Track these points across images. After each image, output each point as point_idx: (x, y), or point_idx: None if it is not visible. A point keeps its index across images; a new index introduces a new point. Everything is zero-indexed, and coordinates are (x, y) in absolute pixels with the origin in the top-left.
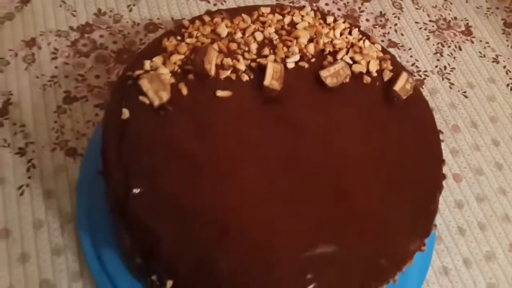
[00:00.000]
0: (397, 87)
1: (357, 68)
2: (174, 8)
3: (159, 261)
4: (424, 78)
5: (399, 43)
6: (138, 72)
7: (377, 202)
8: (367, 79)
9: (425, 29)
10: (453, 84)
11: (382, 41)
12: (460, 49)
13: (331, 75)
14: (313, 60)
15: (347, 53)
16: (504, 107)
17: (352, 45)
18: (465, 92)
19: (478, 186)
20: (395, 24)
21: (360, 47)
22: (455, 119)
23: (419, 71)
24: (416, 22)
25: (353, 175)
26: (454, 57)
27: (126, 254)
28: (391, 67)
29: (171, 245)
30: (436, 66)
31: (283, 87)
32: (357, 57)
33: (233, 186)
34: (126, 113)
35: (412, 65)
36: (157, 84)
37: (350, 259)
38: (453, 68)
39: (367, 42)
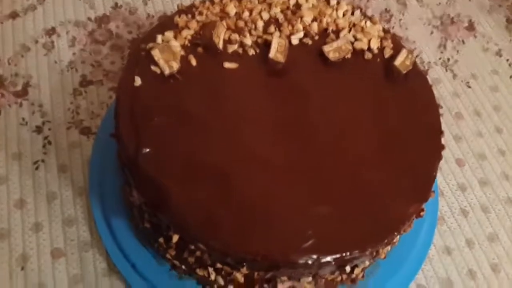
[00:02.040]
0: (397, 62)
1: (358, 45)
2: (187, 2)
3: (167, 214)
4: (428, 69)
5: (403, 37)
6: (151, 44)
7: (375, 168)
8: (368, 55)
9: (429, 25)
10: (456, 75)
11: None
12: (464, 43)
13: (334, 49)
14: (316, 37)
15: (349, 31)
16: (507, 97)
17: (354, 25)
18: (468, 82)
19: (481, 170)
20: (400, 20)
21: (362, 27)
22: (458, 107)
23: (423, 62)
24: (420, 18)
25: (352, 142)
26: (458, 50)
27: (134, 220)
28: (391, 45)
29: (178, 199)
30: (440, 58)
31: (287, 60)
32: (359, 35)
33: (238, 147)
34: (138, 81)
35: (416, 56)
36: (168, 54)
37: (347, 219)
38: (457, 60)
39: (368, 23)
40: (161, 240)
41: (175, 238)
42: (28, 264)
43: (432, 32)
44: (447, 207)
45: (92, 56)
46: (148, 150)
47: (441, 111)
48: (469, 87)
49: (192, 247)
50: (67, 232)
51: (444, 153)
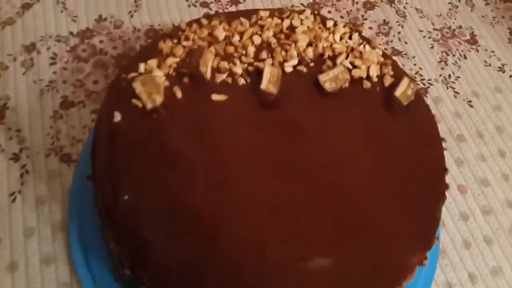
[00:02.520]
0: (398, 92)
1: (357, 72)
2: (175, 14)
3: (148, 269)
4: (428, 87)
5: (402, 51)
6: (132, 74)
7: (377, 212)
8: (367, 84)
9: (429, 38)
10: (458, 93)
11: (385, 49)
12: (465, 57)
13: (330, 79)
14: (311, 64)
15: (347, 57)
16: (511, 117)
17: (352, 49)
18: (470, 101)
19: (484, 198)
20: (399, 32)
21: (360, 52)
22: (460, 128)
23: (423, 79)
24: (420, 31)
25: (352, 183)
26: (459, 66)
27: (114, 265)
28: (392, 72)
29: (159, 252)
30: (441, 75)
31: (280, 91)
32: (357, 62)
33: (226, 192)
34: (117, 116)
35: (416, 73)
36: (151, 86)
37: (346, 272)
38: (458, 77)
39: (367, 47)
40: None
41: None
42: None
43: (432, 46)
44: (448, 238)
45: (74, 74)
46: (127, 197)
47: (443, 133)
48: (471, 106)
49: None
50: (44, 271)
51: (446, 178)
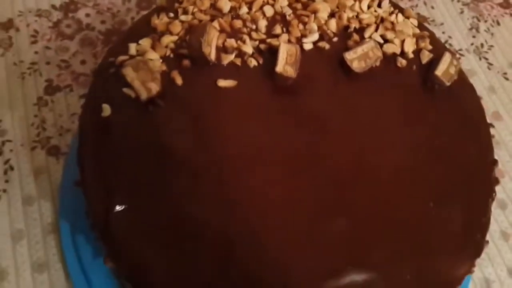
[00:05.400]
0: (439, 71)
1: (389, 48)
2: None
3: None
4: (459, 58)
5: (429, 18)
6: (122, 58)
7: (418, 216)
8: (401, 62)
9: (458, 1)
10: (491, 64)
11: None
12: (498, 23)
13: (358, 57)
14: (335, 39)
15: (376, 30)
16: None
17: (383, 20)
18: (505, 73)
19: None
20: None
21: (392, 22)
22: (495, 105)
23: (453, 50)
24: None
25: (387, 182)
26: (492, 33)
27: (113, 274)
28: (430, 47)
29: (164, 274)
30: (472, 44)
31: (299, 74)
32: (389, 35)
33: (238, 199)
34: (107, 110)
35: (445, 42)
36: (145, 73)
37: None
38: (491, 46)
39: (400, 16)
40: None
41: None
42: None
43: (462, 11)
44: None
45: (58, 54)
46: (121, 208)
47: None
48: (507, 79)
49: None
50: (36, 279)
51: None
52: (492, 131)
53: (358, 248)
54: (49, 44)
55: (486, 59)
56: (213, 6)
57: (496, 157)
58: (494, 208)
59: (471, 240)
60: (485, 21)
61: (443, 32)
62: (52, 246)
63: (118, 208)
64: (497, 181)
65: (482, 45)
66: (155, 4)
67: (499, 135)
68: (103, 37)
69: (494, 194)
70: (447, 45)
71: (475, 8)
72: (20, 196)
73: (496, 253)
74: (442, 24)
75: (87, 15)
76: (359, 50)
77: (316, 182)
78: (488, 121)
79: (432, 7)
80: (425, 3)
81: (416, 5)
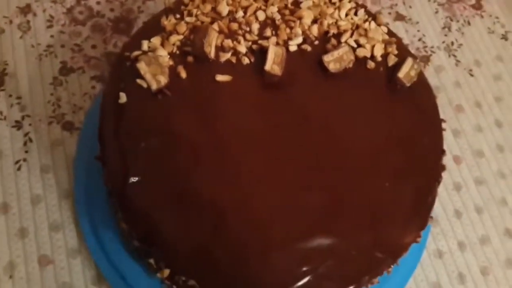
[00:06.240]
0: (402, 73)
1: (361, 52)
2: None
3: (157, 247)
4: (431, 55)
5: (406, 16)
6: (136, 53)
7: (377, 192)
8: (371, 64)
9: (434, 1)
10: (459, 61)
11: (389, 13)
12: (469, 24)
13: (334, 60)
14: (316, 42)
15: (351, 35)
16: (510, 86)
17: (357, 26)
18: (471, 70)
19: (478, 169)
20: None
21: (366, 29)
22: (459, 98)
23: (426, 46)
24: None
25: (355, 163)
26: (463, 33)
27: (124, 236)
28: (396, 52)
29: (169, 233)
30: (443, 42)
31: (285, 72)
32: (362, 40)
33: (232, 173)
34: (123, 97)
35: (419, 40)
36: (155, 67)
37: (346, 252)
38: (461, 44)
39: (373, 24)
40: (151, 261)
41: (166, 272)
42: (16, 272)
43: (437, 11)
44: (441, 208)
45: (72, 39)
46: (136, 179)
47: (442, 104)
48: (472, 75)
49: (184, 279)
50: (53, 238)
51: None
52: (454, 121)
53: (326, 217)
54: (63, 28)
55: (455, 56)
56: (214, 9)
57: (455, 144)
58: (451, 189)
59: (418, 215)
60: (457, 21)
61: (418, 30)
62: (67, 209)
63: (133, 179)
64: (443, 168)
65: (452, 43)
66: None
67: (460, 125)
68: (112, 24)
69: (440, 178)
70: (420, 43)
71: (449, 8)
72: (38, 165)
73: (450, 229)
74: (417, 22)
75: (98, 3)
76: (335, 53)
77: (295, 162)
78: (451, 113)
79: (410, 7)
80: (404, 3)
81: (396, 4)
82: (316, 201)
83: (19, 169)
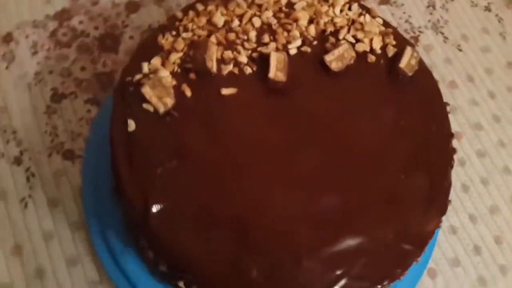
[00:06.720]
0: (403, 64)
1: (360, 47)
2: None
3: (187, 271)
4: (419, 35)
5: (391, 0)
6: (137, 76)
7: (394, 184)
8: (371, 58)
9: None
10: (447, 38)
11: None
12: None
13: (336, 59)
14: (315, 43)
15: (348, 31)
16: (498, 57)
17: (353, 22)
18: (459, 45)
19: (479, 142)
20: None
21: (361, 23)
22: (451, 75)
23: (413, 27)
24: None
25: (368, 159)
26: (447, 9)
27: (148, 262)
28: (394, 42)
29: (199, 255)
30: (429, 21)
31: (288, 77)
32: (359, 35)
33: (250, 186)
34: (132, 125)
35: (406, 21)
36: (160, 89)
37: (374, 249)
38: (447, 21)
39: (367, 17)
40: (181, 284)
41: None
42: None
43: None
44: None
45: (59, 63)
46: (158, 207)
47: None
48: (460, 50)
49: None
50: (72, 273)
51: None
52: (449, 98)
53: (349, 217)
54: (49, 54)
55: (442, 33)
56: (209, 21)
57: (454, 120)
58: (456, 165)
59: (437, 202)
60: None
61: (404, 12)
62: (81, 241)
63: (155, 208)
64: (454, 151)
65: (438, 20)
66: (142, 5)
67: (455, 101)
68: (98, 42)
69: (452, 162)
70: (407, 24)
71: None
72: (45, 199)
73: (459, 204)
74: (402, 4)
75: (81, 22)
76: (336, 52)
77: (310, 166)
78: (445, 90)
79: None
80: None
81: None
82: (336, 202)
83: (25, 206)
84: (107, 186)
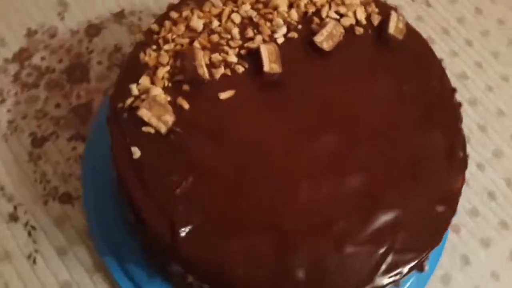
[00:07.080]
0: (391, 29)
1: (346, 21)
2: (110, 2)
3: (232, 285)
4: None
5: None
6: (129, 100)
7: (412, 150)
8: (359, 30)
9: None
10: None
11: None
12: None
13: (326, 38)
14: (300, 27)
15: (330, 8)
16: (467, 5)
17: None
18: (427, 1)
19: (467, 91)
20: None
21: None
22: (426, 31)
23: None
24: None
25: (381, 131)
26: None
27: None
28: (377, 10)
29: (240, 268)
30: None
31: (282, 66)
32: (342, 9)
33: (276, 184)
34: (137, 152)
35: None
36: (157, 108)
37: (411, 219)
38: None
39: None
40: None
41: None
42: None
43: None
44: None
45: (31, 105)
46: (187, 229)
47: None
48: (429, 5)
49: None
50: None
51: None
52: None
53: (377, 193)
54: (17, 98)
55: None
56: (188, 28)
57: None
58: None
59: (457, 157)
60: None
61: None
62: (101, 283)
63: (183, 230)
64: (460, 105)
65: None
66: (102, 27)
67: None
68: (66, 75)
69: (461, 116)
70: None
71: None
72: (52, 250)
73: None
74: None
75: (43, 58)
76: (324, 31)
77: (327, 151)
78: None
79: None
80: None
81: None
82: (363, 181)
83: (34, 262)
84: (115, 219)
